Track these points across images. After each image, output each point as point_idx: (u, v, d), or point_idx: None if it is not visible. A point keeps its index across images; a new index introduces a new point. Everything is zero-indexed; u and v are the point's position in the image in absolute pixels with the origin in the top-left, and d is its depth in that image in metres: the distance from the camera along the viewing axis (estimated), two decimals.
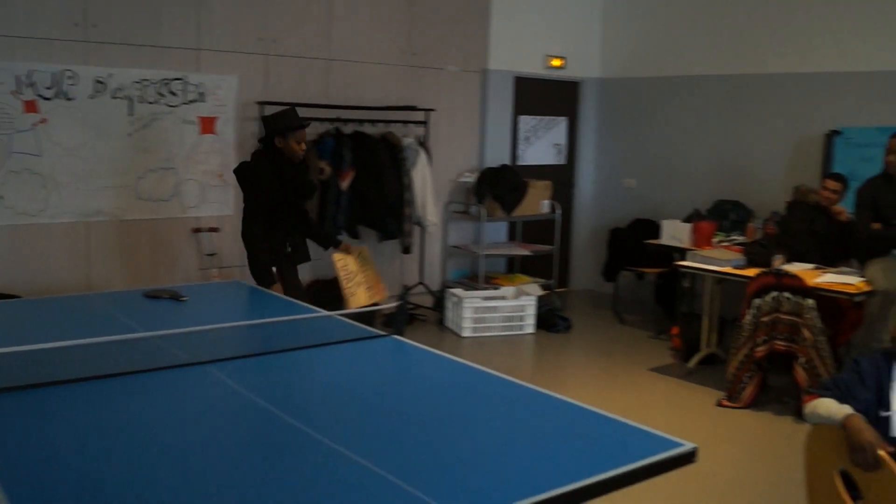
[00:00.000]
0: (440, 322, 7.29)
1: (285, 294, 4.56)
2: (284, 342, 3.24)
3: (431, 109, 7.38)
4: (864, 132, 6.73)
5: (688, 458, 2.36)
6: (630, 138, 8.56)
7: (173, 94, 6.04)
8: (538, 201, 7.87)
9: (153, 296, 4.06)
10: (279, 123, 4.71)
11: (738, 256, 5.81)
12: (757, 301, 5.29)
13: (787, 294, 5.19)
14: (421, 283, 7.63)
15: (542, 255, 7.98)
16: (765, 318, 5.26)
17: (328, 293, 6.72)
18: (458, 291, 7.15)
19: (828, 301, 5.28)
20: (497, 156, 8.08)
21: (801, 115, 7.21)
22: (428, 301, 7.58)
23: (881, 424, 2.65)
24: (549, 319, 7.28)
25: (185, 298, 4.01)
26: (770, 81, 7.40)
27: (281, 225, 4.84)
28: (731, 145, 7.73)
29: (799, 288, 5.15)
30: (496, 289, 7.45)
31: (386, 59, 7.25)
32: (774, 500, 4.07)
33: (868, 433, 2.43)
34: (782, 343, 5.25)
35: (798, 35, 7.19)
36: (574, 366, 6.51)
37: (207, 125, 6.24)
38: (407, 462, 2.16)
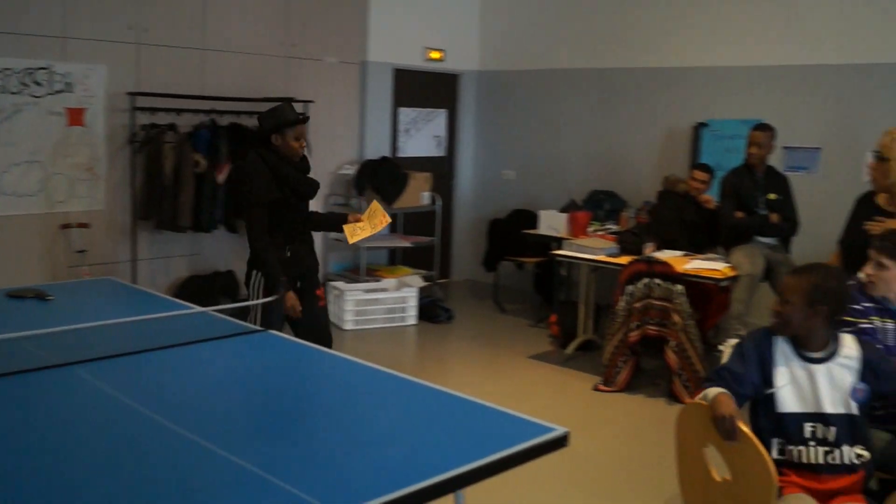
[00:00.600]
0: None
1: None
2: (156, 340, 3.14)
3: (310, 101, 7.29)
4: (729, 124, 7.03)
5: (560, 441, 2.41)
6: (509, 130, 8.69)
7: (38, 84, 5.76)
8: (419, 193, 7.89)
9: (16, 295, 3.87)
10: (274, 120, 4.19)
11: (611, 245, 5.99)
12: (630, 287, 5.46)
13: (657, 280, 5.37)
14: None
15: (423, 247, 8.02)
16: (637, 304, 5.44)
17: (206, 288, 6.60)
18: (340, 284, 7.11)
19: (696, 286, 5.51)
20: (377, 148, 8.07)
21: (671, 108, 7.48)
22: None
23: (769, 402, 2.78)
24: (432, 310, 7.32)
25: (51, 297, 3.85)
26: (641, 75, 7.64)
27: (282, 230, 4.27)
28: (606, 137, 7.94)
29: (669, 274, 5.35)
30: (378, 281, 7.43)
31: (263, 50, 7.12)
32: (648, 478, 4.21)
33: (728, 406, 2.56)
34: (654, 328, 5.44)
35: (667, 31, 7.44)
36: (456, 356, 6.58)
37: (75, 117, 5.98)
38: (281, 458, 2.14)
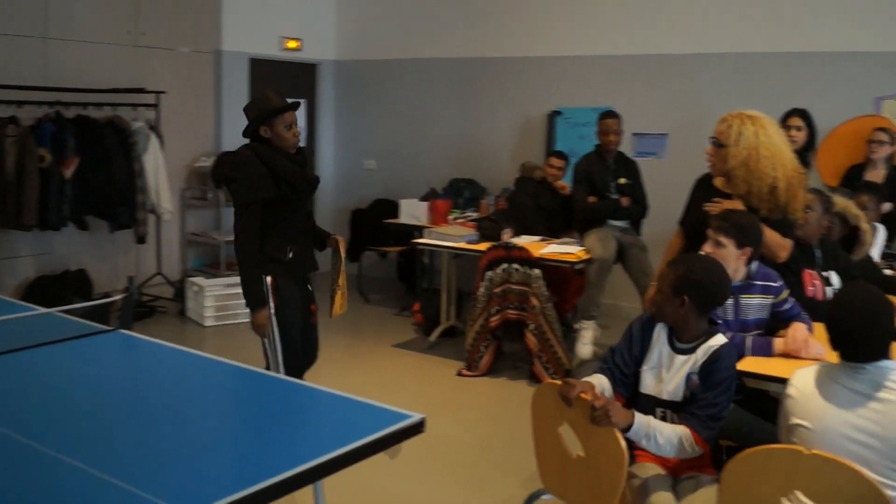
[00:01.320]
0: (182, 313, 7.04)
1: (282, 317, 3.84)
2: None
3: (162, 92, 7.06)
4: (581, 112, 7.24)
5: (417, 428, 2.44)
6: (369, 120, 8.67)
7: None
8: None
9: None
10: (258, 110, 3.75)
11: (470, 232, 6.08)
12: (489, 273, 5.56)
13: (516, 265, 5.50)
14: (159, 274, 7.33)
15: None
16: (497, 290, 5.55)
17: (56, 288, 6.31)
18: (199, 280, 6.94)
19: (553, 270, 5.66)
20: (235, 139, 7.84)
21: (526, 96, 7.64)
22: (168, 292, 7.29)
23: (637, 380, 2.89)
24: None
25: None
26: (498, 65, 7.78)
27: (281, 230, 3.83)
28: (464, 126, 8.04)
29: (526, 259, 5.48)
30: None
31: (111, 39, 6.85)
32: (510, 458, 4.32)
33: (576, 381, 2.65)
34: (514, 312, 5.57)
35: (523, 21, 7.60)
36: (322, 347, 6.47)
37: None
38: (128, 461, 2.09)
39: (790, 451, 2.21)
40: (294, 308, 3.92)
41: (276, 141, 3.75)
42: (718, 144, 3.69)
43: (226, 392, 2.71)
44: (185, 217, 7.62)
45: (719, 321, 3.22)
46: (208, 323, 6.75)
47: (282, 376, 2.83)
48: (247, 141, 3.81)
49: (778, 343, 3.26)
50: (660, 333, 2.91)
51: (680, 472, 2.80)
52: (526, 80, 7.64)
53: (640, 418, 2.62)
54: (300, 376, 3.88)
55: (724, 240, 3.34)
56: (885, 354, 2.42)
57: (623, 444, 2.48)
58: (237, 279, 6.77)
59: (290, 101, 3.81)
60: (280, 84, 8.33)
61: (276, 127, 3.73)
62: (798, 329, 3.31)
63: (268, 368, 3.86)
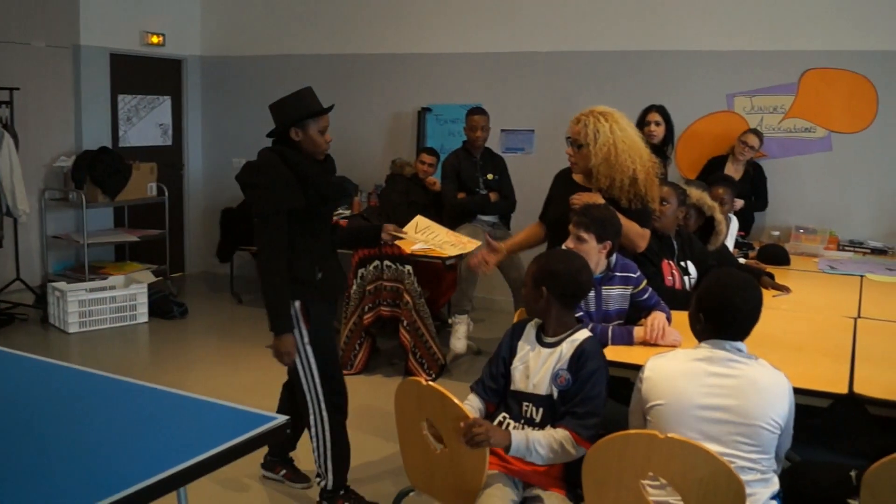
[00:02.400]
0: (44, 320, 6.72)
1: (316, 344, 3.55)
2: None
3: (16, 88, 6.73)
4: (451, 109, 7.32)
5: (282, 429, 2.41)
6: (237, 117, 8.49)
7: None
8: (144, 184, 7.55)
9: None
10: (294, 110, 3.45)
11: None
12: (361, 271, 5.54)
13: (387, 262, 5.50)
14: (18, 279, 6.98)
15: (152, 240, 7.68)
16: (370, 287, 5.53)
17: None
18: (61, 285, 6.64)
19: (425, 266, 5.69)
20: (96, 137, 7.59)
21: (397, 93, 7.66)
22: (28, 298, 6.95)
23: (508, 378, 2.90)
24: (164, 306, 7.03)
25: None
26: (368, 62, 7.76)
27: (308, 245, 3.49)
28: (335, 123, 7.75)
29: (397, 256, 5.48)
30: (104, 279, 7.03)
31: None
32: (386, 456, 4.32)
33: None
34: (387, 309, 5.57)
35: (392, 18, 7.61)
36: (192, 351, 6.36)
37: None
38: None
39: (646, 435, 2.28)
40: (329, 334, 3.68)
41: (306, 145, 3.46)
42: (578, 145, 3.77)
43: (86, 401, 2.59)
44: (45, 219, 7.30)
45: (581, 312, 3.31)
46: (72, 330, 6.46)
47: (148, 384, 2.72)
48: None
49: (638, 332, 3.37)
50: (529, 330, 2.95)
51: (530, 480, 2.78)
52: (396, 77, 7.65)
53: (518, 435, 2.62)
54: (344, 411, 3.73)
55: (584, 235, 3.41)
56: (743, 336, 2.54)
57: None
58: (103, 282, 6.58)
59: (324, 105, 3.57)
60: (143, 81, 8.12)
61: (309, 130, 3.46)
62: (657, 317, 3.43)
63: (304, 402, 3.66)
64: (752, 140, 6.12)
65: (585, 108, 3.86)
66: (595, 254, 3.43)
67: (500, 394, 2.92)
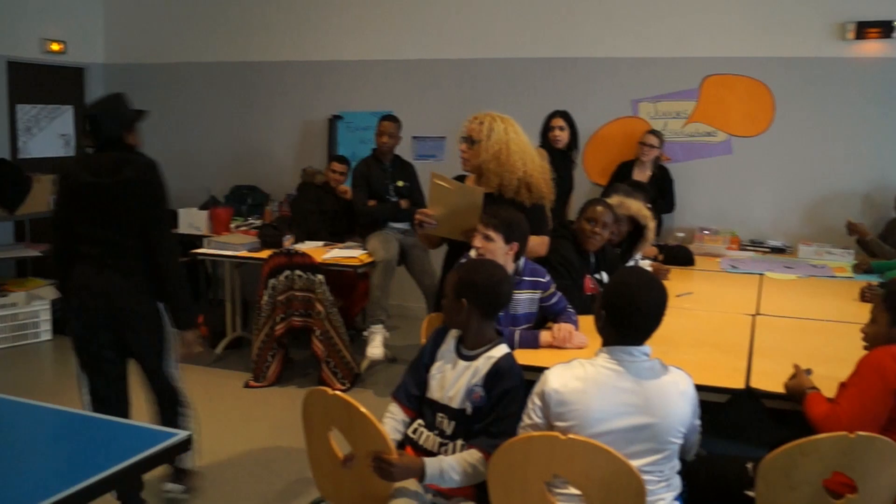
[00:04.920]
0: None
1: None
2: None
3: None
4: (362, 116, 7.30)
5: (184, 445, 2.38)
6: (144, 127, 8.19)
7: None
8: (46, 197, 7.29)
9: None
10: (128, 113, 3.59)
11: (252, 240, 5.96)
12: (272, 281, 5.47)
13: (298, 272, 5.44)
14: None
15: None
16: (281, 297, 5.47)
17: None
18: None
19: (338, 275, 5.65)
20: None
21: (307, 101, 7.60)
22: None
23: (426, 385, 2.88)
24: (69, 323, 6.80)
25: None
26: (277, 69, 7.68)
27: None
28: (246, 131, 7.88)
29: (309, 265, 5.43)
30: (5, 295, 6.77)
31: None
32: (299, 467, 4.26)
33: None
34: (299, 319, 5.51)
35: (301, 25, 7.55)
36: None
37: None
38: None
39: (548, 437, 2.31)
40: None
41: (138, 148, 3.68)
42: (472, 141, 3.83)
43: None
44: None
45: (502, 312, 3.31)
46: None
47: (46, 404, 2.64)
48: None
49: (545, 335, 3.41)
50: (450, 339, 2.91)
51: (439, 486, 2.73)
52: (306, 85, 7.59)
53: (432, 464, 2.58)
54: None
55: (493, 234, 3.44)
56: (645, 337, 2.52)
57: (391, 444, 2.50)
58: (3, 299, 6.31)
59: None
60: (44, 89, 7.86)
61: (138, 133, 3.73)
62: (564, 322, 3.51)
63: (175, 394, 3.79)
64: (651, 139, 6.28)
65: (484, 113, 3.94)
66: (502, 255, 3.45)
67: (420, 399, 2.90)
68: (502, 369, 2.73)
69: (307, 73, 7.57)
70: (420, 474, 2.56)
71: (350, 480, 2.60)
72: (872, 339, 2.81)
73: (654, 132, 6.35)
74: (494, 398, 2.69)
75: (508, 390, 2.69)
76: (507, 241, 3.45)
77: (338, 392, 2.59)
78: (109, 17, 8.35)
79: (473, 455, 2.62)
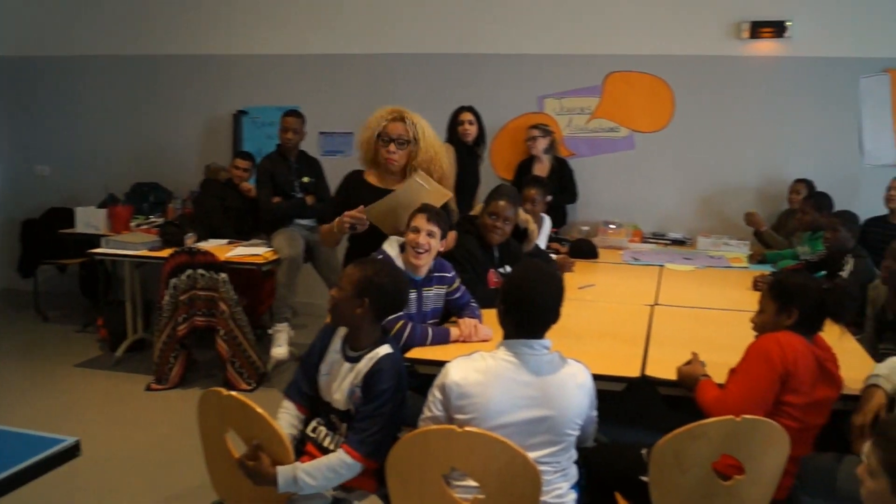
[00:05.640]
0: None
1: None
2: None
3: None
4: (268, 111, 7.20)
5: (72, 451, 2.31)
6: (40, 123, 7.99)
7: None
8: None
9: None
10: None
11: (153, 238, 5.81)
12: (174, 280, 5.34)
13: (201, 270, 5.32)
14: None
15: None
16: (183, 297, 5.34)
17: None
18: None
19: (242, 273, 5.56)
20: None
21: (210, 96, 7.45)
22: None
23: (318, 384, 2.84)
24: None
25: None
26: (179, 63, 7.49)
27: None
28: (147, 127, 7.67)
29: (212, 263, 5.32)
30: None
31: None
32: (200, 470, 4.17)
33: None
34: (202, 319, 5.39)
35: (202, 18, 7.38)
36: None
37: None
38: None
39: (445, 430, 2.31)
40: None
41: None
42: (403, 142, 3.81)
43: None
44: None
45: (401, 312, 3.31)
46: None
47: None
48: None
49: (454, 331, 3.43)
50: (336, 339, 2.87)
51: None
52: (209, 79, 7.44)
53: (283, 472, 2.50)
54: None
55: (435, 230, 3.44)
56: (544, 329, 2.55)
57: (288, 444, 2.47)
58: None
59: None
60: None
61: None
62: (468, 316, 3.54)
63: None
64: (532, 132, 6.36)
65: (394, 108, 3.92)
66: (435, 251, 3.48)
67: (316, 400, 2.87)
68: (381, 370, 2.69)
69: (210, 68, 7.42)
70: (274, 482, 2.49)
71: (247, 481, 2.56)
72: (761, 327, 2.91)
73: (534, 126, 6.43)
74: (369, 398, 2.66)
75: (384, 391, 2.65)
76: (443, 237, 3.48)
77: (233, 393, 2.54)
78: (2, 8, 8.01)
79: (333, 457, 2.58)
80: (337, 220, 3.74)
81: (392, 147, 3.79)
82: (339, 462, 2.56)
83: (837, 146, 6.30)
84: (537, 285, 2.55)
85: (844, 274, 4.52)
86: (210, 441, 2.68)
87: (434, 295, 3.62)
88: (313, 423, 2.84)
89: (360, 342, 2.79)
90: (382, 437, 2.61)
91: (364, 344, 2.78)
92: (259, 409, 2.47)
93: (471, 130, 5.89)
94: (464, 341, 3.39)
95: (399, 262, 3.42)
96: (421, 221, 3.43)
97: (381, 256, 3.38)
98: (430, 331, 3.38)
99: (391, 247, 3.51)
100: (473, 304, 3.71)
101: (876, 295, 4.07)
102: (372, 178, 3.93)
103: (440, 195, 3.81)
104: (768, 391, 2.64)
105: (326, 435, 2.79)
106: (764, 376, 2.64)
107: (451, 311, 3.72)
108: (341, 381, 2.76)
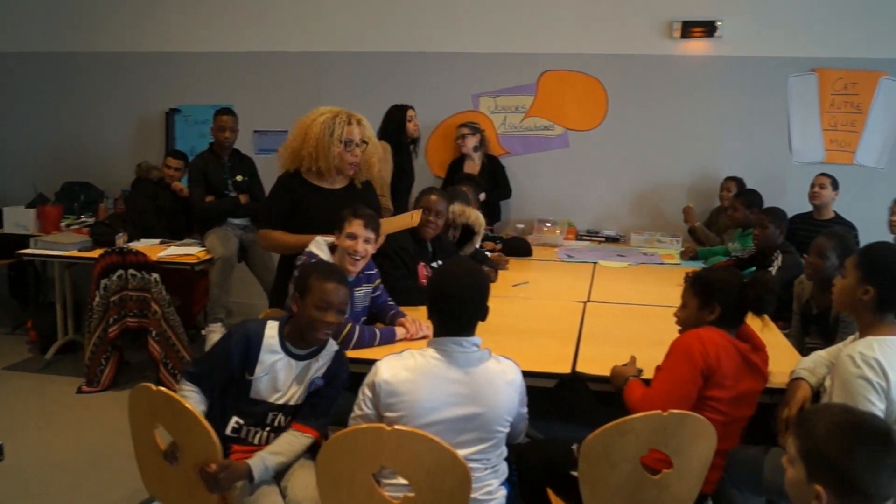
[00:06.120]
0: None
1: None
2: None
3: None
4: (201, 110, 7.10)
5: None
6: None
7: None
8: None
9: None
10: None
11: (83, 238, 5.69)
12: (104, 281, 5.24)
13: (132, 271, 5.23)
14: None
15: None
16: (114, 298, 5.24)
17: None
18: None
19: (175, 273, 5.48)
20: None
21: (142, 94, 7.32)
22: None
23: (243, 385, 2.80)
24: None
25: None
26: (109, 60, 7.35)
27: None
28: (78, 126, 7.51)
29: (143, 263, 5.24)
30: None
31: None
32: (133, 470, 4.10)
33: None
34: (134, 320, 5.30)
35: (133, 15, 7.25)
36: None
37: None
38: None
39: (374, 429, 2.31)
40: None
41: None
42: (361, 143, 3.86)
43: None
44: None
45: None
46: None
47: None
48: None
49: (399, 331, 3.43)
50: (270, 341, 2.83)
51: None
52: (141, 77, 7.31)
53: (255, 464, 2.62)
54: None
55: (372, 236, 3.45)
56: (470, 326, 2.57)
57: (216, 439, 2.45)
58: None
59: None
60: None
61: None
62: (393, 314, 3.59)
63: None
64: (461, 130, 6.42)
65: (334, 109, 3.92)
66: (369, 256, 3.49)
67: (214, 391, 2.83)
68: (343, 360, 2.92)
69: (142, 65, 7.28)
70: (248, 476, 2.58)
71: (177, 477, 2.54)
72: (684, 322, 2.97)
73: (463, 124, 6.46)
74: (328, 385, 2.85)
75: (345, 378, 2.87)
76: (376, 239, 3.48)
77: (162, 388, 2.51)
78: None
79: (291, 437, 2.77)
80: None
81: (357, 151, 3.85)
82: (297, 440, 2.77)
83: (767, 144, 6.46)
84: (459, 281, 2.58)
85: (773, 270, 4.63)
86: (140, 437, 2.65)
87: (363, 294, 3.61)
88: (233, 424, 2.81)
89: (303, 342, 2.84)
90: (329, 413, 2.87)
91: (309, 342, 2.84)
92: (188, 405, 2.45)
93: (416, 128, 5.92)
94: (411, 339, 3.39)
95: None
96: (358, 228, 3.39)
97: (313, 260, 3.34)
98: (377, 332, 3.37)
99: (320, 249, 3.44)
100: (391, 302, 3.71)
101: (801, 290, 4.18)
102: (314, 179, 3.92)
103: (407, 221, 4.03)
104: (691, 386, 2.70)
105: (259, 433, 2.81)
106: (686, 373, 2.70)
107: (372, 309, 3.69)
108: (293, 378, 2.83)
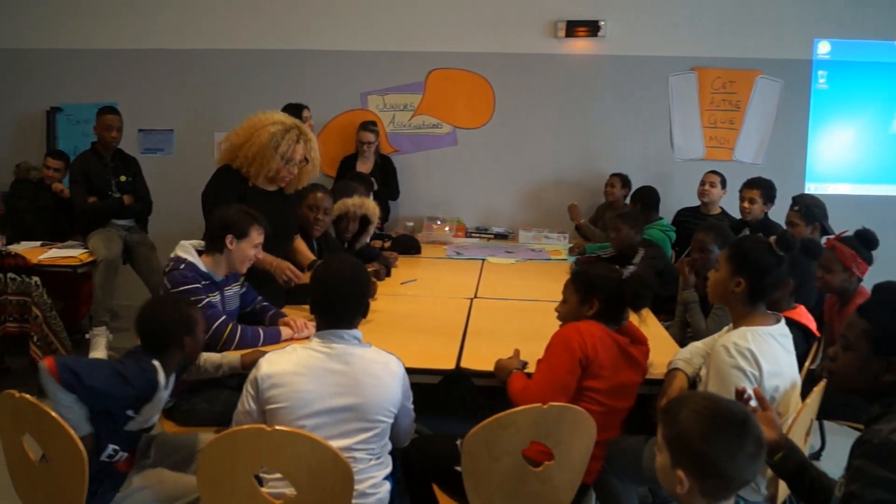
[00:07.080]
0: None
1: None
2: None
3: None
4: (84, 108, 6.90)
5: None
6: None
7: None
8: None
9: None
10: None
11: None
12: None
13: (11, 274, 5.05)
14: None
15: None
16: None
17: None
18: None
19: (57, 276, 5.31)
20: None
21: (21, 92, 7.07)
22: None
23: (121, 420, 2.68)
24: None
25: None
26: None
27: None
28: None
29: (23, 266, 5.07)
30: None
31: None
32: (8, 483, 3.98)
33: None
34: (14, 325, 5.12)
35: (12, 10, 7.00)
36: None
37: None
38: None
39: (254, 430, 2.31)
40: None
41: None
42: (305, 160, 3.95)
43: None
44: None
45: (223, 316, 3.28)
46: None
47: None
48: None
49: (285, 331, 3.41)
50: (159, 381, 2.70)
51: None
52: (19, 74, 7.05)
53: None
54: None
55: (262, 240, 3.44)
56: (351, 320, 2.61)
57: (80, 446, 2.39)
58: None
59: None
60: None
61: None
62: (269, 313, 3.60)
63: None
64: (367, 136, 6.42)
65: (288, 121, 3.89)
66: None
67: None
68: None
69: (20, 62, 7.03)
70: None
71: (45, 484, 2.49)
72: (564, 317, 3.05)
73: (365, 126, 6.46)
74: None
75: None
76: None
77: (26, 395, 2.45)
78: None
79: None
80: (277, 269, 3.79)
81: (294, 169, 3.89)
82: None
83: (650, 141, 6.69)
84: (338, 275, 2.63)
85: (636, 264, 4.74)
86: (9, 445, 2.58)
87: (233, 294, 3.56)
88: (109, 451, 2.64)
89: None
90: None
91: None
92: (53, 413, 2.40)
93: (311, 127, 5.89)
94: (297, 338, 3.38)
95: (200, 266, 3.34)
96: (260, 237, 3.40)
97: (182, 266, 3.28)
98: (260, 331, 3.35)
99: (188, 253, 3.33)
100: (266, 303, 3.69)
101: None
102: (261, 183, 3.91)
103: None
104: (569, 377, 2.77)
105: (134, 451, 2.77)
106: (564, 363, 2.77)
107: (242, 308, 3.65)
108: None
